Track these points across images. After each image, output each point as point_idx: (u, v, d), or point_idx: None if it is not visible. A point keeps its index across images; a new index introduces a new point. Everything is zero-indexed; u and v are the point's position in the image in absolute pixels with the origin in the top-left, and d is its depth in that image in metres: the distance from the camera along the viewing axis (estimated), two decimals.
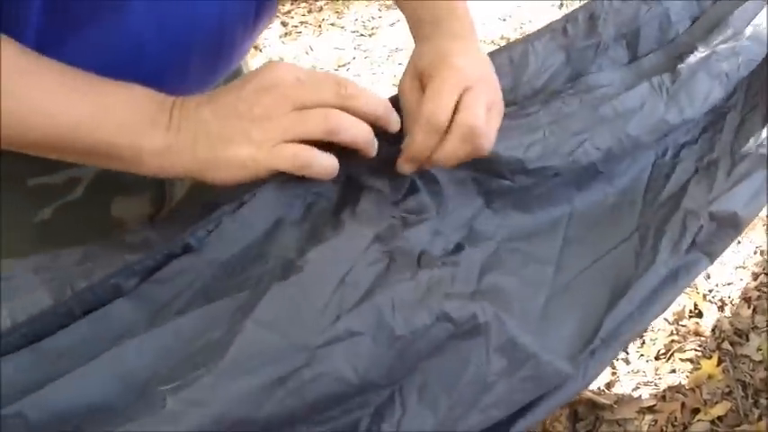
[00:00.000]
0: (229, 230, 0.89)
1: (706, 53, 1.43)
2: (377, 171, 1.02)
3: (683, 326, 2.34)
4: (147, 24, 0.82)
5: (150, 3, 0.81)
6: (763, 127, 1.47)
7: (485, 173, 1.15)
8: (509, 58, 1.24)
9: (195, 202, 1.02)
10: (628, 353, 2.29)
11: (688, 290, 2.46)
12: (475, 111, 0.85)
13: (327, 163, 0.83)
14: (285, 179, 0.91)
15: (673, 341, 2.28)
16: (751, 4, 1.55)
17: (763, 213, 2.75)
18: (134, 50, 0.84)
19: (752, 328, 2.30)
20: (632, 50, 1.42)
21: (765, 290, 2.43)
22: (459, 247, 1.11)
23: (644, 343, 2.31)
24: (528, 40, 1.28)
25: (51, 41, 0.77)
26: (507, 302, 1.08)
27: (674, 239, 1.20)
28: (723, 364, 2.19)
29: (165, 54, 0.87)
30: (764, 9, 1.57)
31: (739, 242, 2.66)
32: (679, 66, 1.39)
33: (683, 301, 2.41)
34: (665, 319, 2.37)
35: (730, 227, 1.28)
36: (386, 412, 0.89)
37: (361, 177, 1.01)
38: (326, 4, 4.68)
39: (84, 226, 0.94)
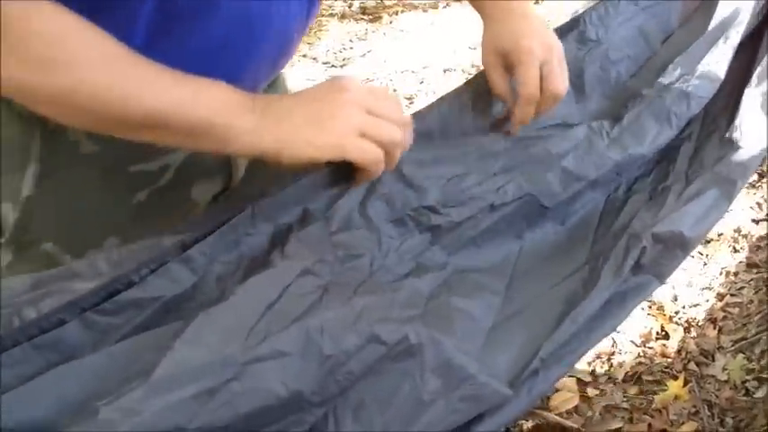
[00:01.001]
0: (174, 271, 0.94)
1: (653, 96, 1.48)
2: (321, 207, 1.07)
3: (649, 348, 2.36)
4: (232, 23, 0.96)
5: (237, 2, 0.94)
6: (718, 153, 1.50)
7: (416, 211, 1.19)
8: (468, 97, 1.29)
9: (250, 183, 1.17)
10: (596, 376, 2.30)
11: (655, 312, 2.48)
12: (555, 79, 1.16)
13: (381, 168, 0.97)
14: (225, 229, 0.98)
15: (640, 363, 2.30)
16: (696, 46, 1.60)
17: (728, 234, 2.78)
18: (220, 49, 0.97)
19: (717, 349, 2.32)
20: (578, 90, 1.46)
21: (731, 310, 2.45)
22: (404, 277, 1.13)
23: (612, 366, 2.32)
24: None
25: (157, 40, 0.91)
26: (450, 326, 1.09)
27: (616, 263, 1.22)
28: (689, 385, 2.20)
29: (244, 52, 1.01)
30: (718, 46, 1.62)
31: (705, 264, 2.69)
32: (623, 112, 1.44)
33: (650, 324, 2.43)
34: (633, 342, 2.38)
35: (677, 247, 1.29)
36: (321, 431, 0.91)
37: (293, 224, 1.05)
38: None
39: (169, 208, 1.08)
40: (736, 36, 1.62)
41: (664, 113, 1.48)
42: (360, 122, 0.93)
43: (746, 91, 1.57)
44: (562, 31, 1.45)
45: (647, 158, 1.46)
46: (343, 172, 1.02)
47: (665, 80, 1.52)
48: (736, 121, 1.53)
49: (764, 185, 3.05)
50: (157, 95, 0.85)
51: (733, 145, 1.48)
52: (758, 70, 1.59)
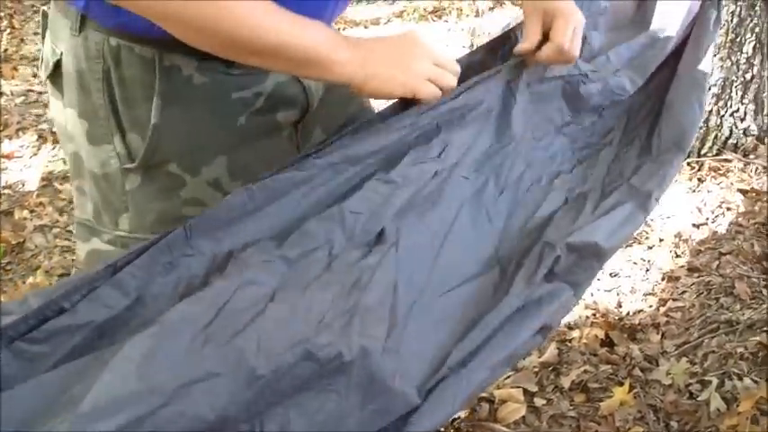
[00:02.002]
0: (104, 295, 0.95)
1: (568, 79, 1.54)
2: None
3: (594, 355, 2.36)
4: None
5: None
6: (636, 162, 1.52)
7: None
8: None
9: (325, 102, 1.39)
10: (543, 386, 2.30)
11: (600, 320, 2.50)
12: (576, 44, 1.41)
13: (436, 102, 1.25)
14: (161, 245, 0.99)
15: (585, 371, 2.30)
16: (627, 46, 1.65)
17: (669, 239, 2.81)
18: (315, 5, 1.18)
19: (661, 354, 2.33)
20: None
21: (673, 315, 2.47)
22: (364, 256, 1.13)
23: (558, 374, 2.32)
24: None
25: None
26: (381, 326, 1.09)
27: (529, 272, 1.23)
28: (635, 391, 2.21)
29: (330, 5, 1.24)
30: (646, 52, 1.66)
31: (648, 270, 2.71)
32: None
33: (595, 332, 2.44)
34: (578, 351, 2.39)
35: (592, 257, 1.30)
36: None
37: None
38: None
39: (264, 130, 1.28)
40: (664, 44, 1.66)
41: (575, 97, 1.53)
42: (428, 70, 1.21)
43: (668, 99, 1.60)
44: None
45: (571, 151, 1.49)
46: (409, 102, 1.24)
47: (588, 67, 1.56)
48: (656, 130, 1.56)
49: (704, 190, 3.10)
50: (283, 30, 1.08)
51: (651, 153, 1.50)
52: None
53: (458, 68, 1.27)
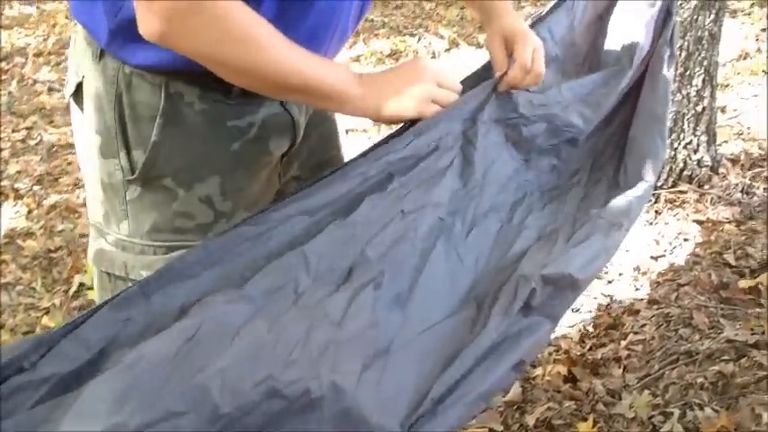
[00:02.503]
0: (67, 350, 0.96)
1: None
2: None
3: (558, 392, 2.38)
4: (319, 16, 1.30)
5: (324, 9, 1.30)
6: (604, 198, 1.55)
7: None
8: None
9: (306, 139, 1.52)
10: (508, 425, 2.31)
11: (562, 356, 2.52)
12: (540, 64, 1.53)
13: None
14: (118, 302, 1.01)
15: (549, 408, 2.32)
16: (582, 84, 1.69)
17: (628, 272, 2.85)
18: (311, 35, 1.30)
19: (623, 387, 2.35)
20: None
21: (634, 348, 2.50)
22: (334, 292, 1.15)
23: (523, 413, 2.34)
24: None
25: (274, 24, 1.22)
26: (355, 354, 1.10)
27: (505, 305, 1.25)
28: (599, 425, 2.23)
29: (323, 38, 1.34)
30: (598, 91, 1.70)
31: (609, 304, 2.74)
32: None
33: (558, 368, 2.46)
34: (542, 388, 2.40)
35: (568, 288, 1.33)
36: None
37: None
38: None
39: (256, 157, 1.41)
40: (618, 81, 1.70)
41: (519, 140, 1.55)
42: (432, 93, 1.36)
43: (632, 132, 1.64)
44: None
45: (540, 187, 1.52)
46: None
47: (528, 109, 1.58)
48: (622, 166, 1.60)
49: (661, 222, 3.14)
50: (308, 71, 1.24)
51: (619, 188, 1.54)
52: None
53: (459, 87, 1.42)
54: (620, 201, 1.51)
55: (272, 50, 1.21)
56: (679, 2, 3.08)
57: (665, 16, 1.83)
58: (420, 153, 1.35)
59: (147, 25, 1.16)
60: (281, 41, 1.21)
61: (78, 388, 0.93)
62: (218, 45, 1.18)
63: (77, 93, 1.39)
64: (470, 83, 1.53)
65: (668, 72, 1.76)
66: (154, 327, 1.03)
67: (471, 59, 4.58)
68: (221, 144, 1.37)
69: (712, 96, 3.29)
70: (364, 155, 1.32)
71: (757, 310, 2.52)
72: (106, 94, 1.33)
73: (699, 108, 3.24)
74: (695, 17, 3.12)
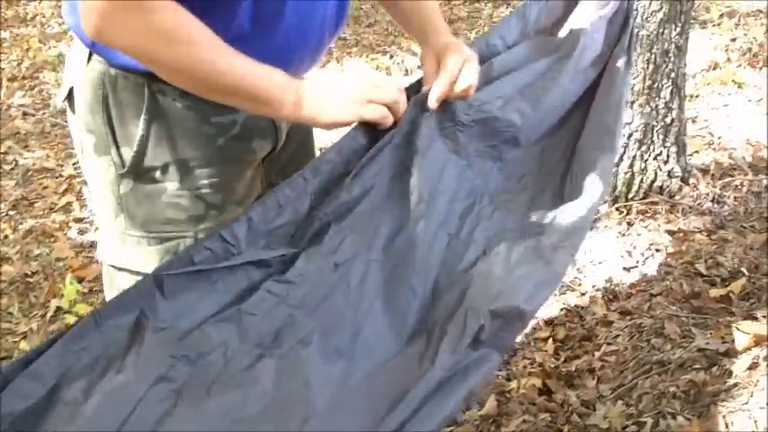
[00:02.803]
0: (20, 387, 0.98)
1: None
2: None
3: (533, 405, 2.40)
4: (290, 30, 1.37)
5: (299, 12, 1.36)
6: (549, 210, 1.56)
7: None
8: None
9: (286, 146, 1.60)
10: None
11: (536, 369, 2.54)
12: (471, 75, 1.50)
13: (391, 120, 1.39)
14: (72, 334, 1.03)
15: (525, 421, 2.34)
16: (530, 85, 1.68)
17: (601, 285, 2.87)
18: (281, 49, 1.38)
19: (598, 398, 2.37)
20: None
21: (608, 359, 2.52)
22: (259, 358, 1.16)
23: (499, 426, 2.35)
24: None
25: (245, 38, 1.31)
26: (295, 408, 1.13)
27: (453, 341, 1.26)
28: None
29: (296, 51, 1.42)
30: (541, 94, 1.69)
31: (582, 316, 2.77)
32: None
33: (533, 381, 2.48)
34: (518, 401, 2.42)
35: (516, 320, 1.35)
36: None
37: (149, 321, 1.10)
38: None
39: (240, 153, 1.48)
40: (560, 72, 1.70)
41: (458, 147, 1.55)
42: (366, 92, 1.36)
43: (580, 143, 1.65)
44: None
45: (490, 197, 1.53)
46: (366, 127, 1.38)
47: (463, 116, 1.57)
48: (569, 176, 1.60)
49: (633, 234, 3.17)
50: (243, 73, 1.27)
51: (564, 199, 1.55)
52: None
53: (396, 84, 1.43)
54: (564, 219, 1.51)
55: (205, 50, 1.25)
56: (645, 15, 3.12)
57: (623, 23, 1.84)
58: (355, 196, 1.36)
59: (86, 22, 1.22)
60: (216, 43, 1.25)
61: (34, 427, 0.95)
62: (152, 43, 1.22)
63: (71, 96, 1.47)
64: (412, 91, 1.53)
65: (625, 81, 1.77)
66: (104, 356, 1.05)
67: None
68: (207, 139, 1.43)
69: (681, 108, 3.33)
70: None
71: (728, 318, 2.55)
72: (94, 95, 1.40)
73: (668, 120, 3.28)
74: (661, 30, 3.16)
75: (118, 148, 1.42)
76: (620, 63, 1.79)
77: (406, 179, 1.42)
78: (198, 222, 1.45)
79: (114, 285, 1.50)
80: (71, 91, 1.46)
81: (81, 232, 3.68)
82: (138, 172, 1.42)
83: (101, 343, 1.06)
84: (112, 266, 1.50)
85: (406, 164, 1.42)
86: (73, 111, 1.47)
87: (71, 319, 2.96)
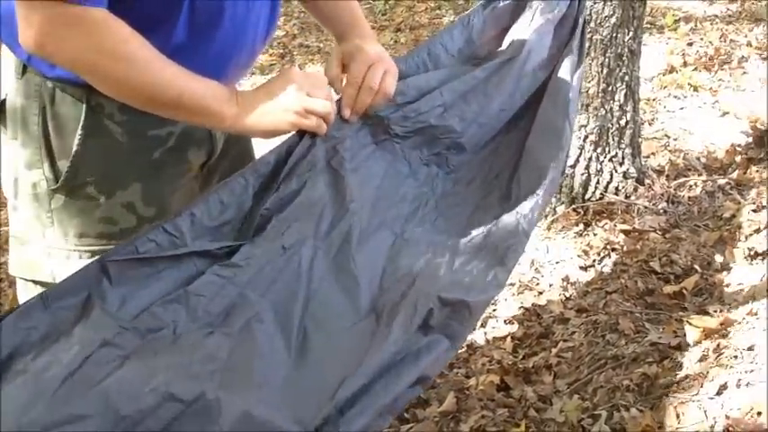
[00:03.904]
0: None
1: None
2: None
3: (492, 401, 2.45)
4: (225, 42, 1.40)
5: (234, 20, 1.38)
6: (496, 211, 1.60)
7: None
8: None
9: (226, 154, 1.59)
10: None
11: (495, 366, 2.59)
12: (387, 80, 1.51)
13: (325, 128, 1.44)
14: (20, 312, 1.06)
15: (483, 416, 2.38)
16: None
17: (558, 283, 2.93)
18: (219, 58, 1.41)
19: (554, 393, 2.43)
20: None
21: (564, 355, 2.58)
22: (209, 334, 1.20)
23: (458, 422, 2.40)
24: None
25: (184, 48, 1.34)
26: (250, 378, 1.16)
27: (406, 320, 1.31)
28: (530, 430, 2.30)
29: (229, 60, 1.45)
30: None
31: (539, 314, 2.83)
32: None
33: (491, 378, 2.53)
34: (476, 397, 2.47)
35: (465, 310, 1.39)
36: None
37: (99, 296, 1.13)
38: None
39: (175, 165, 1.48)
40: (509, 73, 1.74)
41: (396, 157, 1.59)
42: (302, 103, 1.39)
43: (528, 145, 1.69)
44: None
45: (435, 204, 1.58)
46: (301, 134, 1.42)
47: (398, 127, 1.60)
48: (515, 178, 1.64)
49: (590, 234, 3.24)
50: (181, 87, 1.29)
51: (510, 200, 1.59)
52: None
53: (328, 93, 1.45)
54: (510, 219, 1.56)
55: (145, 65, 1.27)
56: (598, 20, 3.19)
57: (572, 26, 1.89)
58: (292, 190, 1.39)
59: (25, 36, 1.22)
60: (156, 57, 1.27)
61: None
62: (92, 58, 1.24)
63: (1, 110, 1.44)
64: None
65: (574, 82, 1.81)
66: (54, 334, 1.08)
67: None
68: (142, 153, 1.44)
69: (635, 110, 3.41)
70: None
71: (681, 313, 2.61)
72: (29, 107, 1.39)
73: (622, 122, 3.35)
74: (615, 34, 3.23)
75: (52, 161, 1.41)
76: (569, 66, 1.83)
77: (337, 182, 1.46)
78: (130, 235, 1.39)
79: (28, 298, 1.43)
80: (2, 104, 1.44)
81: None
82: (71, 186, 1.41)
83: (49, 321, 1.09)
84: (32, 281, 1.46)
85: (336, 168, 1.46)
86: (4, 125, 1.45)
87: None
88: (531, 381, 2.52)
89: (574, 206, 3.37)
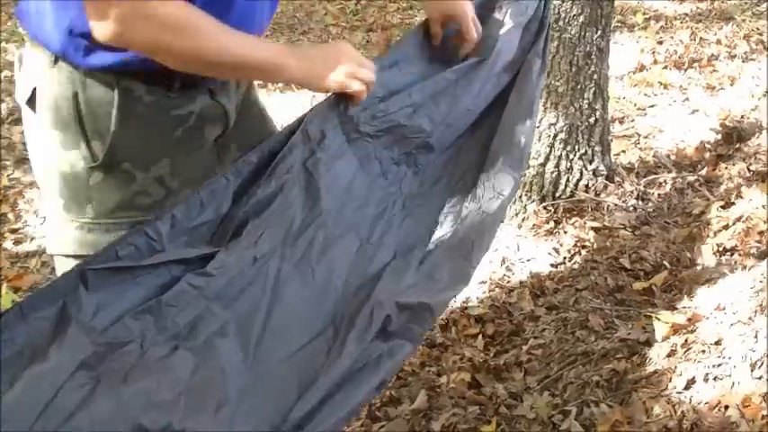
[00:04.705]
0: None
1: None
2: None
3: (463, 398, 2.46)
4: (241, 18, 1.49)
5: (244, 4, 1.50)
6: (461, 210, 1.61)
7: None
8: None
9: (239, 127, 1.69)
10: (415, 430, 2.38)
11: (466, 364, 2.60)
12: (476, 31, 1.80)
13: (364, 97, 1.59)
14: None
15: (454, 414, 2.39)
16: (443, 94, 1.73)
17: (528, 281, 2.94)
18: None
19: (525, 390, 2.44)
20: None
21: (535, 352, 2.59)
22: (174, 349, 1.20)
23: (429, 419, 2.41)
24: None
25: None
26: (211, 397, 1.17)
27: (360, 331, 1.32)
28: (501, 427, 2.31)
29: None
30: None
31: (510, 312, 2.84)
32: None
33: (462, 376, 2.54)
34: (447, 395, 2.48)
35: (425, 311, 1.40)
36: None
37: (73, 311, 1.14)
38: None
39: (195, 141, 1.59)
40: (477, 74, 1.76)
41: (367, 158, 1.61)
42: (355, 71, 1.57)
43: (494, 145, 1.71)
44: None
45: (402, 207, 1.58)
46: (342, 97, 1.54)
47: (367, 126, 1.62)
48: (481, 178, 1.66)
49: (561, 231, 3.25)
50: (249, 50, 1.47)
51: (476, 200, 1.61)
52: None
53: (375, 67, 1.61)
54: (475, 217, 1.57)
55: (216, 37, 1.41)
56: (567, 19, 3.21)
57: (538, 28, 1.91)
58: (270, 193, 1.41)
59: (103, 29, 1.35)
60: (223, 29, 1.42)
61: None
62: (167, 39, 1.37)
63: (32, 98, 1.54)
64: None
65: (538, 83, 1.84)
66: (28, 349, 1.08)
67: None
68: (167, 130, 1.55)
69: (604, 108, 3.43)
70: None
71: (650, 309, 2.64)
72: (62, 94, 1.49)
73: (591, 120, 3.37)
74: (583, 33, 3.25)
75: (88, 142, 1.50)
76: (535, 66, 1.85)
77: (310, 184, 1.47)
78: (160, 206, 1.52)
79: None
80: (33, 92, 1.53)
81: (16, 243, 3.67)
82: (109, 164, 1.51)
83: (25, 333, 1.10)
84: (72, 256, 1.54)
85: (310, 170, 1.48)
86: (34, 110, 1.55)
87: None
88: (502, 378, 2.53)
89: (544, 204, 3.38)
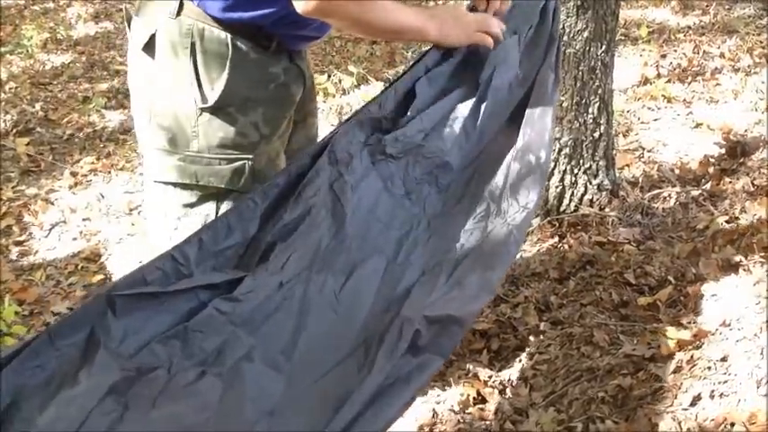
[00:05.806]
0: None
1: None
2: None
3: (468, 413, 2.46)
4: None
5: None
6: (485, 226, 1.62)
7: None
8: None
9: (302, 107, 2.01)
10: None
11: (471, 379, 2.60)
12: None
13: (491, 45, 1.86)
14: (28, 351, 1.09)
15: (460, 429, 2.40)
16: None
17: (534, 296, 2.94)
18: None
19: (530, 405, 2.44)
20: None
21: (540, 367, 2.59)
22: (201, 375, 1.21)
23: None
24: None
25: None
26: (241, 422, 1.18)
27: (390, 348, 1.32)
28: None
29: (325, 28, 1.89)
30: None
31: (515, 327, 2.84)
32: None
33: (467, 391, 2.54)
34: (452, 410, 2.48)
35: (454, 325, 1.41)
36: None
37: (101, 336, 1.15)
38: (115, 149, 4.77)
39: (284, 96, 1.88)
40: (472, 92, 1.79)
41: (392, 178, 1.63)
42: (480, 23, 1.88)
43: (510, 163, 1.71)
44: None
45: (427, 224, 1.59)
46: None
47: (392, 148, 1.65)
48: (504, 194, 1.67)
49: (565, 246, 3.25)
50: (405, 16, 1.79)
51: (501, 215, 1.61)
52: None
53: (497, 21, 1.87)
54: (500, 229, 1.58)
55: (385, 8, 1.74)
56: (572, 34, 3.22)
57: (548, 42, 1.92)
58: (297, 216, 1.43)
59: (306, 6, 1.63)
60: (389, 2, 1.74)
61: None
62: (356, 12, 1.70)
63: (149, 44, 1.80)
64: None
65: (553, 98, 1.85)
66: (58, 375, 1.09)
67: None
68: (264, 84, 1.84)
69: (608, 123, 3.43)
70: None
71: (655, 325, 2.63)
72: (182, 42, 1.76)
73: (596, 134, 3.38)
74: (588, 48, 3.26)
75: (200, 86, 1.77)
76: (548, 81, 1.86)
77: (336, 207, 1.49)
78: (254, 149, 1.81)
79: (167, 199, 1.84)
80: (152, 38, 1.79)
81: (21, 255, 3.68)
82: (218, 106, 1.78)
83: (55, 360, 1.11)
84: (173, 184, 1.82)
85: (337, 193, 1.51)
86: (152, 56, 1.80)
87: (9, 341, 2.95)
88: (507, 393, 2.53)
89: (549, 218, 3.39)
